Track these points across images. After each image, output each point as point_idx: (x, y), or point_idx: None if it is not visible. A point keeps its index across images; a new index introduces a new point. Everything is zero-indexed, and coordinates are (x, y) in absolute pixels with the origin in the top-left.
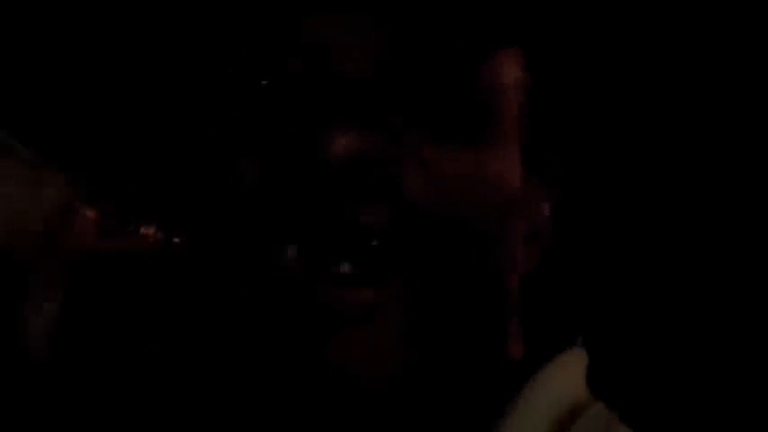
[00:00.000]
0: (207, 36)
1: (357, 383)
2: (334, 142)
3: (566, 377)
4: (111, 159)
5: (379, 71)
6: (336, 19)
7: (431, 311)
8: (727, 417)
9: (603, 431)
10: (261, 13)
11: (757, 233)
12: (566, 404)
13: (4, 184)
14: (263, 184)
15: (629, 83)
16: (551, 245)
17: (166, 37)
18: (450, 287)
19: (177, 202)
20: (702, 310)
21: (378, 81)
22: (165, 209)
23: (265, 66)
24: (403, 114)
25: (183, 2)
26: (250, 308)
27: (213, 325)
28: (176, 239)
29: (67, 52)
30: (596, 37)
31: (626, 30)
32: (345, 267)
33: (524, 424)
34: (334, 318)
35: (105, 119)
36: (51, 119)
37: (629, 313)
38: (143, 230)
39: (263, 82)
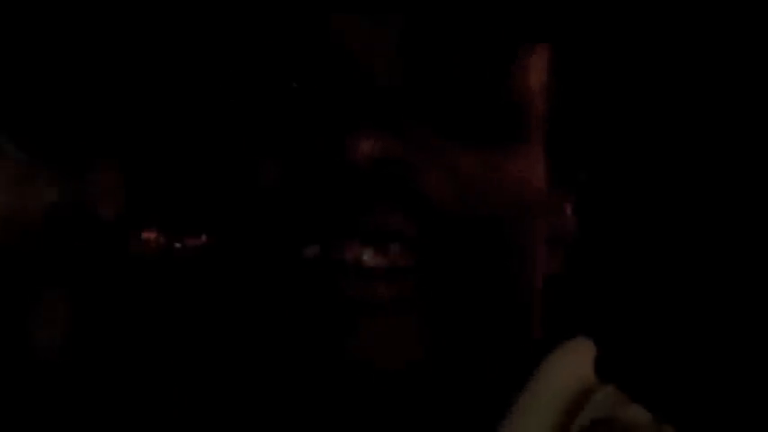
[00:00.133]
0: (233, 37)
1: (379, 378)
2: (359, 143)
3: (572, 363)
4: (126, 159)
5: (405, 73)
6: (364, 20)
7: (453, 309)
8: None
9: (610, 413)
10: (288, 15)
11: None
12: (573, 390)
13: None
14: (288, 185)
15: (656, 89)
16: (574, 246)
17: (190, 37)
18: (473, 286)
19: (186, 205)
20: (717, 295)
21: (404, 83)
22: (170, 212)
23: (293, 68)
24: (428, 116)
25: (210, 1)
26: (273, 303)
27: (234, 321)
28: (177, 244)
29: (71, 48)
30: (623, 42)
31: (653, 35)
32: (368, 262)
33: (532, 414)
34: (357, 313)
35: (127, 118)
36: (51, 119)
37: (646, 298)
38: (145, 235)
39: (294, 85)
